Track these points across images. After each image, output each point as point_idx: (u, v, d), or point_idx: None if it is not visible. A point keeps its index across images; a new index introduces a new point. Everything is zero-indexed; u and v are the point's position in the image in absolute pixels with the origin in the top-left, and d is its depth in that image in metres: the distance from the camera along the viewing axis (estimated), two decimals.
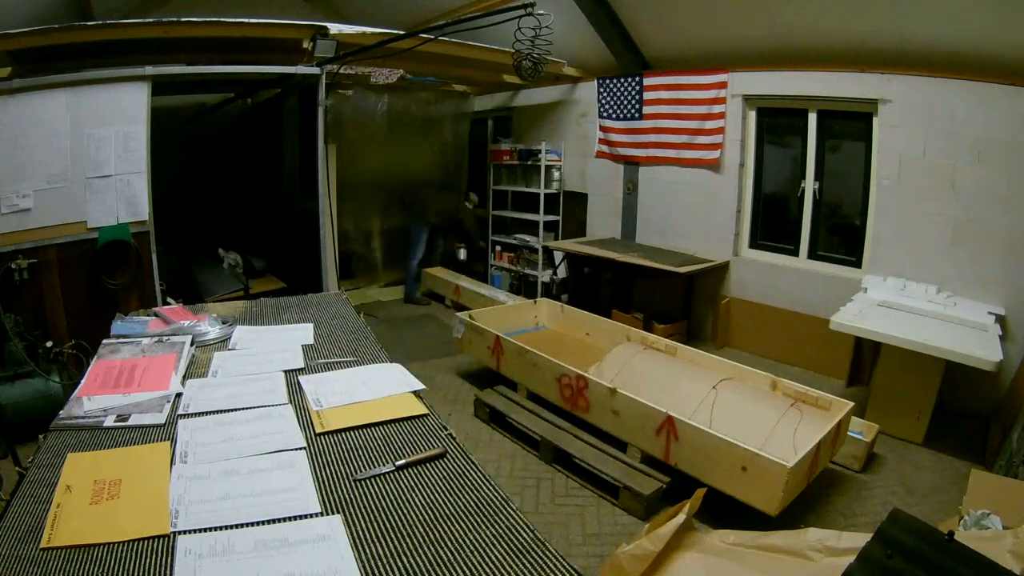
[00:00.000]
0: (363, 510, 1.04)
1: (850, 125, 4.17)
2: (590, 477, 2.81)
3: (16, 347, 2.99)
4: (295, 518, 1.01)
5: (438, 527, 1.00)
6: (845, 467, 2.98)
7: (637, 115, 5.15)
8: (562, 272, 5.83)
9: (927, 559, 1.26)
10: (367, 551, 0.94)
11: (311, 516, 1.02)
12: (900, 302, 3.57)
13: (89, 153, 3.24)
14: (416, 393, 1.50)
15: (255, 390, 1.49)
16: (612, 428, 2.92)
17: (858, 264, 4.20)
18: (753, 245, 4.80)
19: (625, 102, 5.21)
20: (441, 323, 5.38)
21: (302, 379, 1.56)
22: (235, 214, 5.92)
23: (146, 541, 0.94)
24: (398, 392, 1.50)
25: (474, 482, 1.14)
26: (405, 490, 1.10)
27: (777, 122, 4.59)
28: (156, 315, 2.02)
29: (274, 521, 1.00)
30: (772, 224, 4.73)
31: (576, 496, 2.77)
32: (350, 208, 5.61)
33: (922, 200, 3.74)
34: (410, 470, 1.17)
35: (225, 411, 1.38)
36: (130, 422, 1.32)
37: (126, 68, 3.34)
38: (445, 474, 1.16)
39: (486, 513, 1.04)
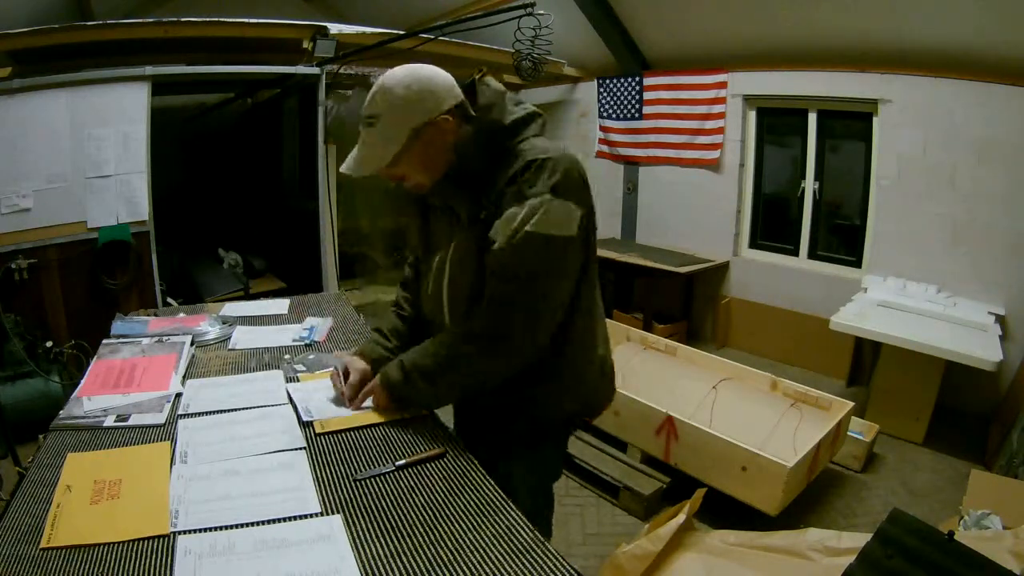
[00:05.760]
0: (363, 510, 1.04)
1: (850, 125, 4.16)
2: (590, 477, 2.81)
3: (16, 347, 2.99)
4: (295, 518, 1.01)
5: (438, 527, 1.00)
6: (845, 467, 2.98)
7: (637, 115, 5.15)
8: None
9: (927, 559, 1.26)
10: (367, 551, 0.94)
11: (311, 516, 1.02)
12: (900, 302, 3.57)
13: (89, 153, 3.23)
14: None
15: (255, 390, 1.49)
16: (612, 428, 2.92)
17: (858, 264, 4.20)
18: (753, 245, 4.79)
19: (625, 102, 5.20)
20: None
21: (290, 387, 1.49)
22: (235, 214, 5.91)
23: (146, 541, 0.94)
24: None
25: (474, 482, 1.13)
26: (405, 490, 1.10)
27: (777, 122, 4.58)
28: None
29: (274, 521, 1.00)
30: (772, 224, 4.72)
31: (576, 496, 2.77)
32: (350, 208, 5.60)
33: (922, 200, 3.74)
34: (410, 470, 1.17)
35: (225, 411, 1.38)
36: (130, 422, 1.32)
37: (126, 68, 3.33)
38: (445, 474, 1.16)
39: (486, 513, 1.04)
